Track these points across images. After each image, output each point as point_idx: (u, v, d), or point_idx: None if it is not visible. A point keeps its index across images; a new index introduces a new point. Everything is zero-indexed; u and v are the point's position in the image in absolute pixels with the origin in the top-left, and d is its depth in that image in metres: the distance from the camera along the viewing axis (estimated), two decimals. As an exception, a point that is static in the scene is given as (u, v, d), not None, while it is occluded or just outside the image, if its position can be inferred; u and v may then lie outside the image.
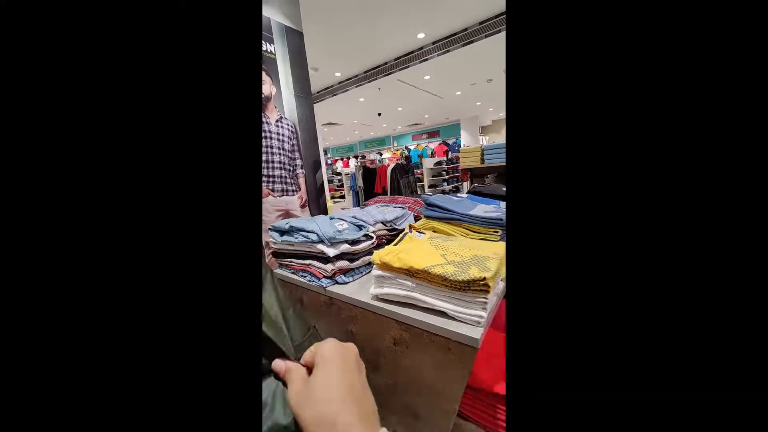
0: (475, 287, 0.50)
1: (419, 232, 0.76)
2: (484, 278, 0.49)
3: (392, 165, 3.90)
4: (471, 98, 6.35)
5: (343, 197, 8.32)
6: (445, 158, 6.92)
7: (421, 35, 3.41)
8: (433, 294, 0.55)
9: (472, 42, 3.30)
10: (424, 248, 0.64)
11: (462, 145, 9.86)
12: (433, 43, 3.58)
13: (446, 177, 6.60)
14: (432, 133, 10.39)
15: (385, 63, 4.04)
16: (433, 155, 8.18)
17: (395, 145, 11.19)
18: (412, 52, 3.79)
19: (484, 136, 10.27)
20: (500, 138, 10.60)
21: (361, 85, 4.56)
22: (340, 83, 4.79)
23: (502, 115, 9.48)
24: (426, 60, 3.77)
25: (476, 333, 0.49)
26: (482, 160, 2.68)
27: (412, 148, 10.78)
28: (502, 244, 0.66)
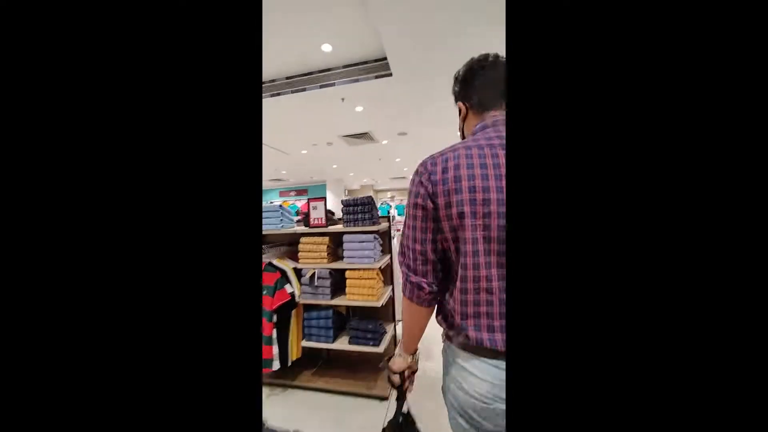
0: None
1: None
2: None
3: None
4: (323, 159, 6.23)
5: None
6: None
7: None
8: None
9: (279, 95, 2.95)
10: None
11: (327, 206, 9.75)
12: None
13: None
14: (300, 191, 9.90)
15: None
16: (299, 213, 7.54)
17: (259, 199, 10.07)
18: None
19: (352, 199, 10.57)
20: (368, 202, 11.18)
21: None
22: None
23: (366, 181, 10.06)
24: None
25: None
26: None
27: (278, 203, 9.93)
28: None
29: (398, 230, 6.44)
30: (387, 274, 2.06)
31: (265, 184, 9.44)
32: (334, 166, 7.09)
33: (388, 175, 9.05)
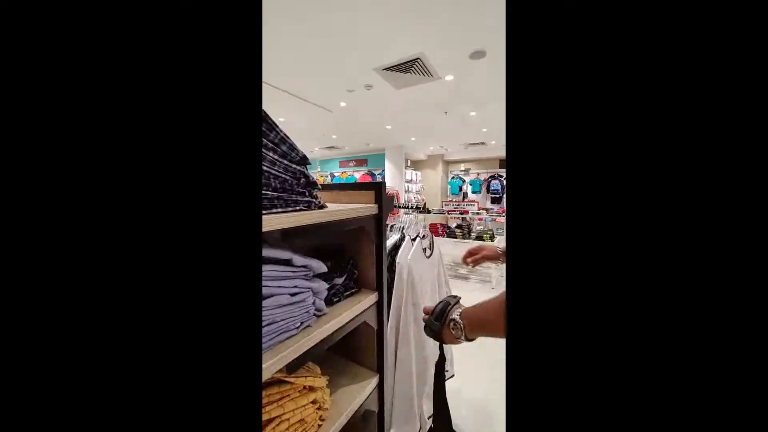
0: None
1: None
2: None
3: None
4: (370, 117, 4.92)
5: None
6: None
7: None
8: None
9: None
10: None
11: (385, 178, 8.50)
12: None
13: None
14: (360, 161, 8.96)
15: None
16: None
17: (319, 170, 9.67)
18: None
19: (415, 172, 8.98)
20: (435, 176, 9.44)
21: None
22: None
23: (433, 149, 8.32)
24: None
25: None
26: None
27: (336, 175, 9.30)
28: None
29: (478, 214, 4.61)
30: (370, 351, 0.71)
31: (322, 153, 8.82)
32: (388, 127, 5.70)
33: (461, 140, 7.09)
